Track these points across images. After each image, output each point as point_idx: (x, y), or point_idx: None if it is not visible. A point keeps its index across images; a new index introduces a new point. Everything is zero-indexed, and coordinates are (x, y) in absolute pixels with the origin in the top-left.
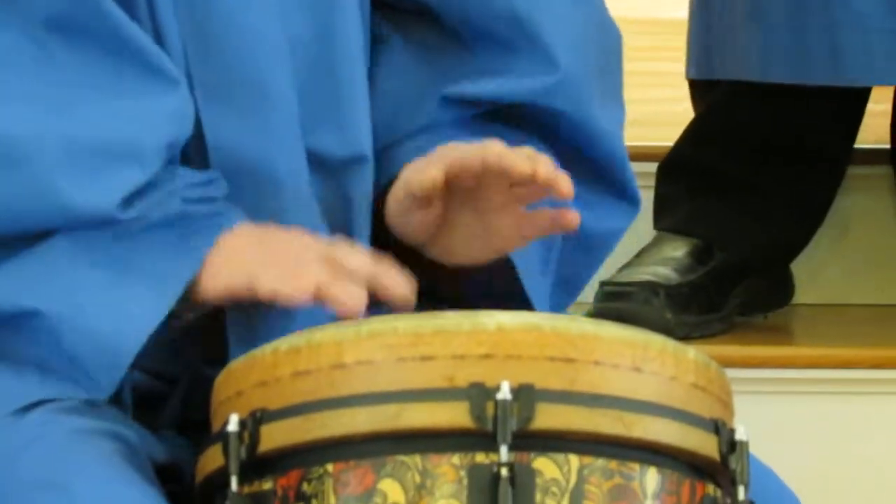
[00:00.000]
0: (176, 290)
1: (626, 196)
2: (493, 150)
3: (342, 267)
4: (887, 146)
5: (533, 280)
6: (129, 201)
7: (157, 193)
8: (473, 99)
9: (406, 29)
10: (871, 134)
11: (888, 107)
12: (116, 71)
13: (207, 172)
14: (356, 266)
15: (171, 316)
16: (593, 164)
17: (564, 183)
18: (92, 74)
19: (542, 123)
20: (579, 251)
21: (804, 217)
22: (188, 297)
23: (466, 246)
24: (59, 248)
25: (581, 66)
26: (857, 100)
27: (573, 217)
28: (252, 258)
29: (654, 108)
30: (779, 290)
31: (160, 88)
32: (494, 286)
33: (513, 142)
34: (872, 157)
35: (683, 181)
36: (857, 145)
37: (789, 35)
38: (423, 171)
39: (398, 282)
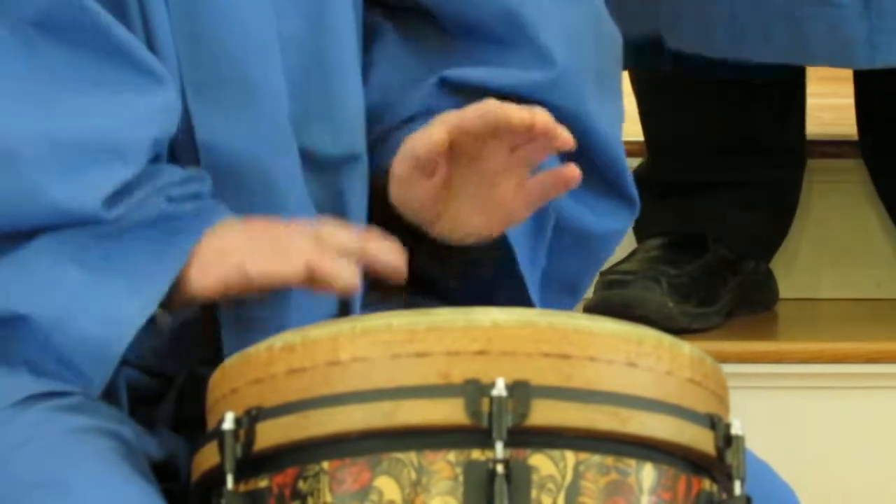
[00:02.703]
0: (161, 289)
1: (624, 197)
2: (490, 107)
3: (330, 244)
4: (855, 139)
5: (525, 269)
6: (113, 200)
7: (142, 192)
8: (470, 85)
9: (400, 23)
10: (838, 127)
11: (852, 100)
12: (101, 67)
13: (192, 169)
14: (344, 241)
15: (166, 312)
16: (592, 164)
17: (562, 133)
18: (77, 70)
19: None
20: (580, 252)
21: (780, 205)
22: (178, 295)
23: (471, 217)
24: (43, 250)
25: (578, 64)
26: (793, 88)
27: (572, 171)
28: (239, 246)
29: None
30: (766, 290)
31: (145, 85)
32: (491, 276)
33: None
34: (840, 149)
35: (656, 190)
36: (825, 138)
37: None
38: (427, 134)
39: (388, 251)
